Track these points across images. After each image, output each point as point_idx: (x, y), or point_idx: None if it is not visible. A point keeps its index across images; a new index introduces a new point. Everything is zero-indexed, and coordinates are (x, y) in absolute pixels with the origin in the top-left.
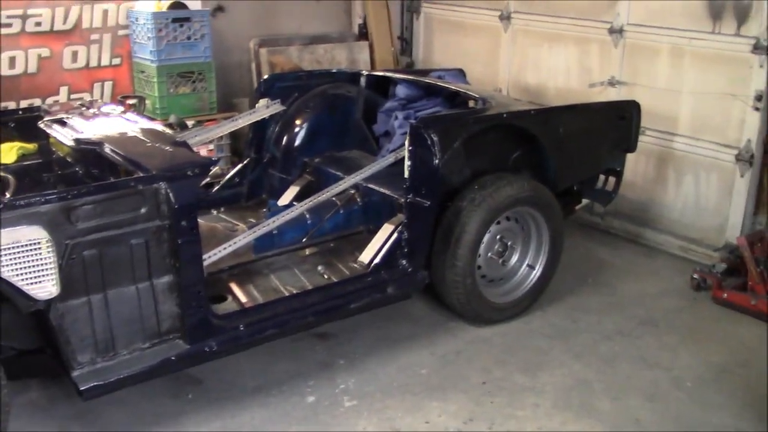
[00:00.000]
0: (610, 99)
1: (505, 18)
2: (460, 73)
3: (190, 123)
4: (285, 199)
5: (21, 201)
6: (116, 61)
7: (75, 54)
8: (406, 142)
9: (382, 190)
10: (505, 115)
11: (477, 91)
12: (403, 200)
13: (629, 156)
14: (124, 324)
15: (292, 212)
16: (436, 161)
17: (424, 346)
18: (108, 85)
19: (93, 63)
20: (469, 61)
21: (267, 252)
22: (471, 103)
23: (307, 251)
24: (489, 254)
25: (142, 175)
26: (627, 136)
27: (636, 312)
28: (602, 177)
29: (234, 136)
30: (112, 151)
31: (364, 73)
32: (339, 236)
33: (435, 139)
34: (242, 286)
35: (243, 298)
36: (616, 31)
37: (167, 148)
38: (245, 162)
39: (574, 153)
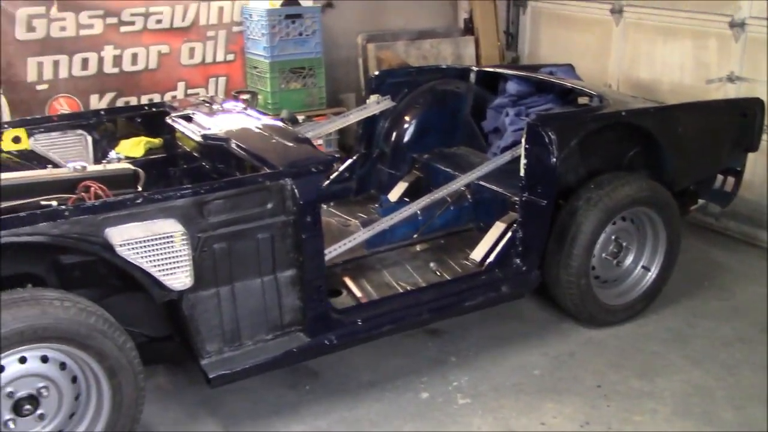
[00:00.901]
0: (729, 96)
1: (617, 11)
2: (571, 69)
3: (300, 118)
4: (394, 195)
5: (158, 195)
6: (230, 57)
7: (192, 50)
8: (522, 140)
9: (493, 187)
10: (623, 113)
11: (591, 88)
12: (516, 198)
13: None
14: (249, 315)
15: (408, 210)
16: (553, 159)
17: (536, 346)
18: (222, 80)
19: (208, 59)
20: (577, 56)
21: (379, 247)
22: (584, 100)
23: (418, 247)
24: (603, 255)
25: (268, 171)
26: (749, 134)
27: (757, 318)
28: (720, 177)
29: (341, 131)
30: (239, 146)
31: (474, 69)
32: (449, 233)
33: (552, 137)
34: (356, 281)
35: (358, 293)
36: (738, 25)
37: (291, 144)
38: (355, 157)
39: (692, 152)
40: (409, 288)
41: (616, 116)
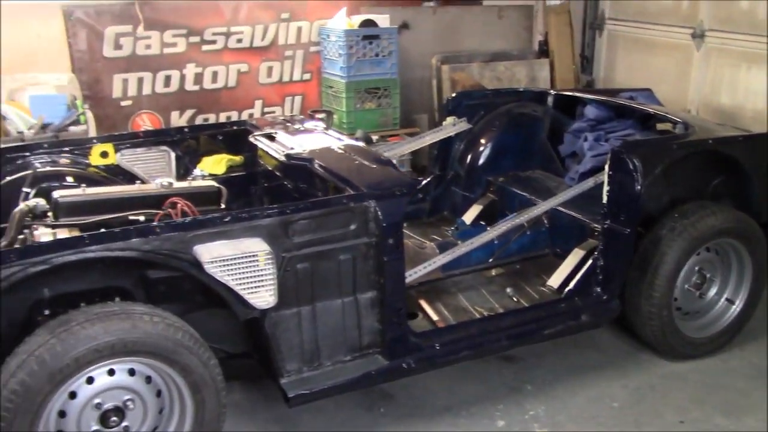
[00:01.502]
0: None
1: (698, 36)
2: (651, 94)
3: (374, 138)
4: (468, 217)
5: (245, 214)
6: (306, 76)
7: (270, 69)
8: (606, 167)
9: (572, 213)
10: (710, 141)
11: (675, 114)
12: (595, 225)
13: None
14: (329, 336)
15: (488, 235)
16: (638, 187)
17: (614, 378)
18: (298, 99)
19: (285, 78)
20: (655, 81)
21: (454, 270)
22: (665, 126)
23: (493, 272)
24: (686, 286)
25: (352, 192)
26: None
27: None
28: None
29: (414, 152)
30: (322, 167)
31: (552, 92)
32: (524, 258)
33: (637, 164)
34: (432, 304)
35: (434, 316)
36: None
37: (374, 166)
38: (429, 178)
39: None
40: (485, 313)
41: (703, 144)
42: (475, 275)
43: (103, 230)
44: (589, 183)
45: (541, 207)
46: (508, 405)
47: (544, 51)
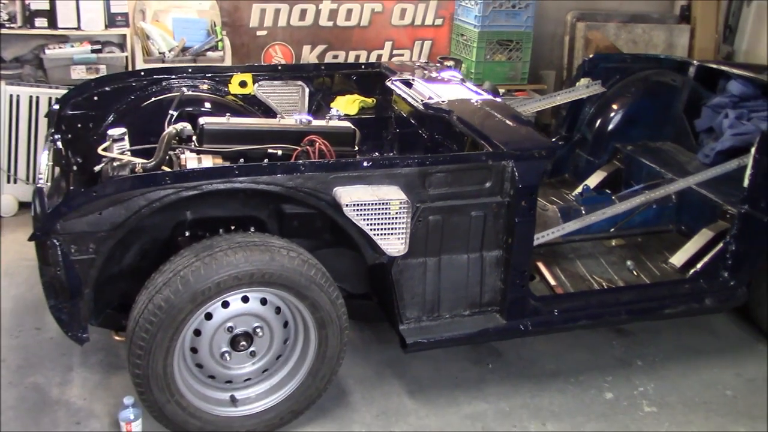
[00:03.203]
0: None
1: None
2: None
3: (501, 91)
4: (591, 183)
5: (385, 161)
6: (438, 21)
7: (403, 11)
8: (753, 149)
9: (703, 191)
10: None
11: None
12: (729, 207)
13: None
14: (450, 289)
15: (618, 206)
16: None
17: (729, 365)
18: (427, 44)
19: (417, 21)
20: None
21: (573, 236)
22: None
23: (614, 242)
24: None
25: (491, 150)
26: None
27: None
28: None
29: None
30: (461, 121)
31: (695, 62)
32: (647, 231)
33: None
34: (549, 268)
35: (551, 281)
36: None
37: (514, 125)
38: (554, 139)
39: None
40: (604, 284)
41: None
42: (594, 243)
43: (251, 163)
44: (732, 164)
45: (679, 184)
46: (617, 378)
47: (685, 17)
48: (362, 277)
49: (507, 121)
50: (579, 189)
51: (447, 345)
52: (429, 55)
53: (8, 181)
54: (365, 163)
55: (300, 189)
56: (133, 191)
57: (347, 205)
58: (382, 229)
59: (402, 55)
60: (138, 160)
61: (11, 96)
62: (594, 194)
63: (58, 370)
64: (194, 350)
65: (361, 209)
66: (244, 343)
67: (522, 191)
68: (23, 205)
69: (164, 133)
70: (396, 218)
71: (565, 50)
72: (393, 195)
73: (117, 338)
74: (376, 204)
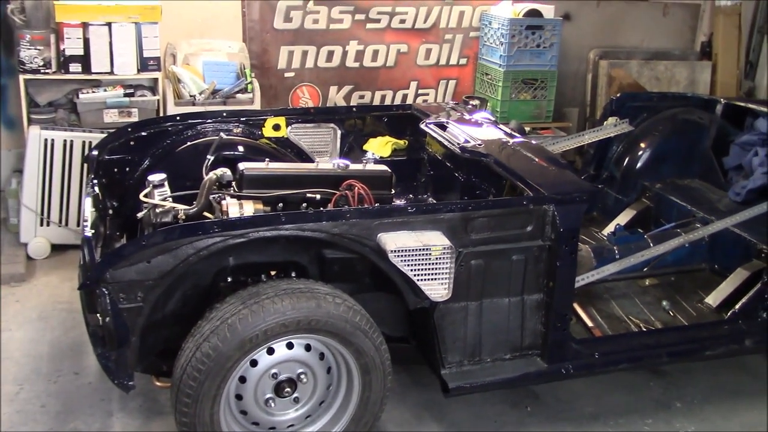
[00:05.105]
0: None
1: None
2: None
3: (527, 129)
4: (620, 221)
5: (429, 207)
6: (463, 61)
7: (428, 52)
8: None
9: (736, 230)
10: None
11: None
12: (765, 247)
13: None
14: (492, 333)
15: (656, 249)
16: None
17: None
18: (452, 83)
19: (442, 61)
20: None
21: (606, 276)
22: None
23: (647, 281)
24: None
25: (532, 195)
26: None
27: None
28: None
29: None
30: (499, 164)
31: (722, 100)
32: (679, 270)
33: None
34: (585, 309)
35: (588, 323)
36: None
37: (552, 168)
38: (582, 178)
39: None
40: (642, 325)
41: None
42: (628, 283)
43: (295, 211)
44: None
45: (716, 225)
46: (656, 421)
47: (706, 53)
48: (401, 320)
49: (545, 165)
50: (611, 227)
51: (489, 389)
52: (453, 94)
53: (41, 224)
54: (409, 209)
55: (344, 235)
56: (181, 240)
57: (392, 252)
58: (425, 274)
59: (427, 94)
60: (180, 207)
61: (45, 140)
62: (626, 233)
63: (98, 416)
64: (239, 397)
65: (405, 255)
66: (288, 389)
67: (563, 235)
68: (55, 248)
69: (205, 179)
70: (439, 263)
71: (588, 87)
72: (436, 240)
73: (158, 384)
74: (420, 250)
